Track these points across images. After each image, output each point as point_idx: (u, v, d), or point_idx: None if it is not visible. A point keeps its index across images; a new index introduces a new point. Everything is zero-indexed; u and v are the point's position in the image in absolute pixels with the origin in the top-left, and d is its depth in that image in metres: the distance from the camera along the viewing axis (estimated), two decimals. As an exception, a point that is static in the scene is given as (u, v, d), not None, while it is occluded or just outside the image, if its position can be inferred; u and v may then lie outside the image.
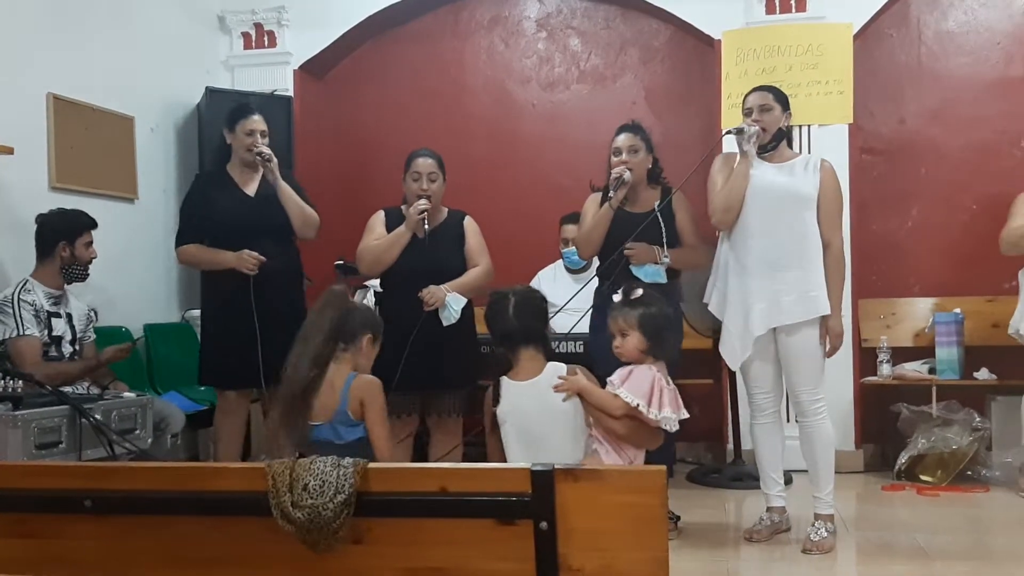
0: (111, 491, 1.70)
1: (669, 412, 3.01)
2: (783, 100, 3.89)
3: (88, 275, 4.18)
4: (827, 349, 3.79)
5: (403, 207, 4.10)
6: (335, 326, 2.91)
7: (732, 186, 3.82)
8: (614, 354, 3.19)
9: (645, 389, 3.00)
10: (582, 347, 4.43)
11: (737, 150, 3.86)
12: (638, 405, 2.97)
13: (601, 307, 3.95)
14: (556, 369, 3.01)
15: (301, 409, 2.84)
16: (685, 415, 3.10)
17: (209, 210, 4.23)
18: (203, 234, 4.25)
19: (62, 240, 4.06)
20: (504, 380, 3.04)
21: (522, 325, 3.05)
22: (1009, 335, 4.69)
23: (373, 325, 3.05)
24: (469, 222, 4.18)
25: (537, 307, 3.12)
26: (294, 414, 2.84)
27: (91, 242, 4.15)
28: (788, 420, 4.33)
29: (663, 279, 3.95)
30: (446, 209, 4.18)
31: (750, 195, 3.79)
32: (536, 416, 2.96)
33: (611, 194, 3.95)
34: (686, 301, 5.02)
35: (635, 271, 3.91)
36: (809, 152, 4.97)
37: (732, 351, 3.88)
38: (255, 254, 4.09)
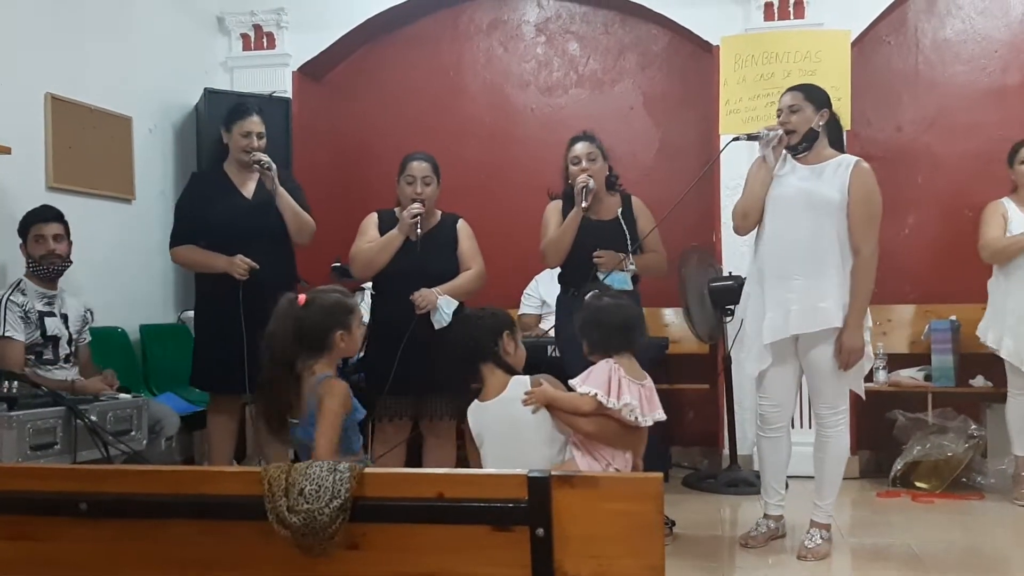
0: (106, 494, 1.69)
1: (629, 399, 2.99)
2: (817, 98, 3.76)
3: (53, 270, 3.97)
4: (839, 364, 3.64)
5: (396, 209, 4.11)
6: (291, 339, 2.82)
7: (749, 192, 3.78)
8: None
9: (602, 380, 3.01)
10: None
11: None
12: (596, 395, 2.96)
13: (563, 314, 4.00)
14: (520, 383, 3.02)
15: (278, 421, 2.86)
16: (661, 416, 3.09)
17: (205, 211, 4.19)
18: (198, 235, 4.22)
19: (20, 240, 4.00)
20: (474, 403, 3.07)
21: (474, 344, 3.08)
22: (977, 335, 4.76)
23: (341, 320, 2.89)
24: (462, 225, 4.18)
25: (486, 325, 3.12)
26: (274, 425, 2.87)
27: (44, 235, 3.95)
28: (795, 427, 4.32)
29: (630, 286, 3.99)
30: (439, 212, 4.18)
31: (768, 200, 3.74)
32: (507, 432, 2.97)
33: (584, 203, 3.95)
34: (690, 307, 5.05)
35: (603, 278, 3.94)
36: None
37: (749, 357, 3.87)
38: (247, 260, 4.06)
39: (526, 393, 2.99)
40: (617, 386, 3.01)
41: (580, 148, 4.09)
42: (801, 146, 3.75)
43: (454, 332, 3.25)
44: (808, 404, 4.51)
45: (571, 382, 3.04)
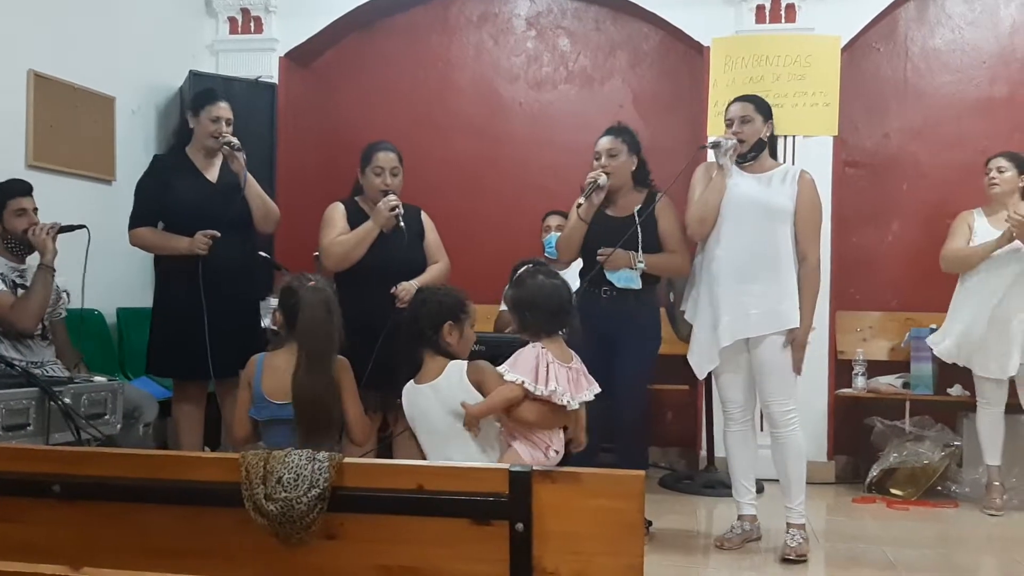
0: (81, 477, 1.67)
1: (556, 385, 2.91)
2: (765, 110, 3.89)
3: (30, 246, 3.89)
4: (793, 362, 3.78)
5: (357, 199, 4.07)
6: (336, 329, 2.98)
7: (706, 199, 3.85)
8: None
9: (530, 367, 2.93)
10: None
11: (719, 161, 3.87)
12: (523, 382, 2.88)
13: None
14: (458, 368, 2.94)
15: (327, 428, 2.89)
16: (593, 392, 3.04)
17: (167, 194, 4.11)
18: (158, 218, 4.16)
19: None
20: (408, 384, 3.01)
21: (414, 328, 3.00)
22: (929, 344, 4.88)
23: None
24: (426, 218, 4.15)
25: (429, 311, 3.02)
26: (320, 434, 2.84)
27: (26, 209, 3.88)
28: (762, 429, 4.34)
29: (637, 284, 3.92)
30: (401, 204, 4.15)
31: (724, 206, 3.82)
32: (439, 419, 2.91)
33: (582, 200, 3.93)
34: (675, 306, 5.06)
35: (609, 276, 3.90)
36: (793, 163, 4.99)
37: (699, 360, 3.94)
38: (209, 232, 3.99)
39: (464, 424, 2.90)
40: (545, 372, 2.93)
41: (602, 143, 4.02)
42: (750, 155, 3.87)
43: (406, 312, 3.14)
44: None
45: (500, 368, 2.93)
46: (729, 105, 3.95)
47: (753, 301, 3.76)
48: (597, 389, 3.07)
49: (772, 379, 3.80)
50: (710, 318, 3.85)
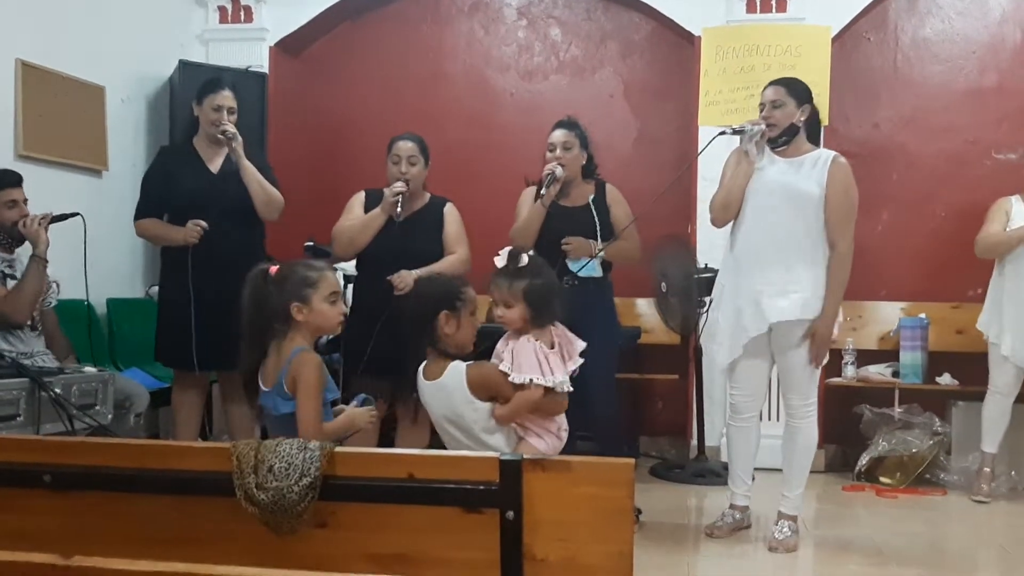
0: (72, 466, 1.67)
1: (560, 376, 2.94)
2: (800, 94, 3.79)
3: (19, 237, 3.86)
4: (811, 354, 3.69)
5: (385, 189, 4.08)
6: (257, 309, 2.82)
7: (730, 186, 3.78)
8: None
9: (533, 363, 2.93)
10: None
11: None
12: (532, 380, 2.89)
13: None
14: (458, 372, 2.92)
15: (252, 391, 2.84)
16: (574, 366, 3.03)
17: (170, 185, 4.14)
18: (162, 209, 4.18)
19: None
20: (420, 372, 2.99)
21: (413, 326, 2.98)
22: (978, 329, 4.75)
23: (296, 293, 2.81)
24: (450, 209, 4.15)
25: (423, 307, 2.96)
26: (249, 394, 2.85)
27: (15, 201, 3.84)
28: (764, 419, 4.33)
29: (598, 273, 3.99)
30: (428, 195, 4.15)
31: (748, 191, 3.75)
32: (442, 416, 2.93)
33: (543, 191, 3.97)
34: (668, 297, 5.06)
35: (571, 265, 3.93)
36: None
37: (721, 349, 3.86)
38: (199, 223, 4.01)
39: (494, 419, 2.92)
40: (547, 363, 2.94)
41: (556, 136, 4.07)
42: (781, 140, 3.78)
43: (403, 306, 3.09)
44: (778, 396, 4.55)
45: (501, 367, 2.93)
46: (764, 88, 3.86)
47: (771, 289, 3.67)
48: (582, 345, 3.05)
49: (795, 372, 3.74)
50: (734, 306, 3.78)
